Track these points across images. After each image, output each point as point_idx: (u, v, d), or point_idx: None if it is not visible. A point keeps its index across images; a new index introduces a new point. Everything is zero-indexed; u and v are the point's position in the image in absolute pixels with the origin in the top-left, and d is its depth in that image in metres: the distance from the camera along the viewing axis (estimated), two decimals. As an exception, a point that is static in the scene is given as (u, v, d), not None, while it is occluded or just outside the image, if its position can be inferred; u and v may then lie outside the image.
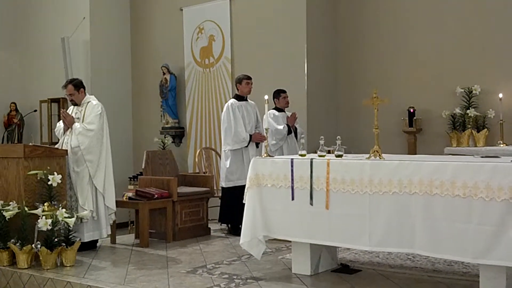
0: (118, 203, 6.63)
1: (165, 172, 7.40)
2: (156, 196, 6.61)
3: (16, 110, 10.48)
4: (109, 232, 6.39)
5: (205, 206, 7.21)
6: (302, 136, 5.63)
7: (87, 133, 6.11)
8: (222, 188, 7.22)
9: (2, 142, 10.29)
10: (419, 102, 7.87)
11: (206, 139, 9.14)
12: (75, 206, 6.06)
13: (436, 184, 4.15)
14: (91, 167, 6.10)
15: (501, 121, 6.97)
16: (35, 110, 10.30)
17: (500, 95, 7.07)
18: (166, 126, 9.52)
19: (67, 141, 6.16)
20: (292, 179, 4.87)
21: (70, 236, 5.57)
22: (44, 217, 5.35)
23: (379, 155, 4.61)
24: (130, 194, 6.80)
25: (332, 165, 4.68)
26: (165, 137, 9.14)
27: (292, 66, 8.21)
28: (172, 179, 6.85)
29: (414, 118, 7.83)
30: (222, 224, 7.55)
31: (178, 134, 9.54)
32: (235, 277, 4.99)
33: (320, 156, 4.93)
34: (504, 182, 3.88)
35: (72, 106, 6.44)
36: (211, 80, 9.13)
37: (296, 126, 7.47)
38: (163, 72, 9.44)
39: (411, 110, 7.83)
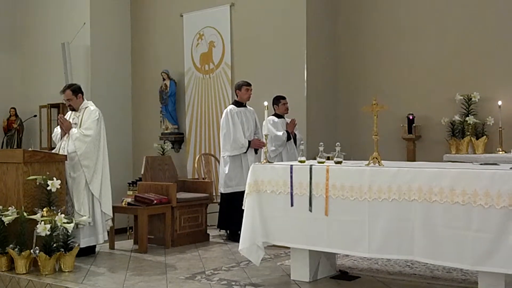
0: (117, 209, 6.64)
1: (164, 177, 7.40)
2: (155, 201, 6.60)
3: (16, 115, 10.48)
4: (106, 238, 6.36)
5: (204, 212, 7.21)
6: (302, 142, 5.64)
7: (84, 139, 6.11)
8: (221, 194, 7.22)
9: (2, 147, 10.28)
10: (419, 109, 7.88)
11: (205, 145, 9.15)
12: (71, 211, 6.05)
13: (435, 191, 4.15)
14: (87, 172, 6.10)
15: (500, 129, 6.98)
16: (35, 115, 10.31)
17: (499, 103, 7.08)
18: (166, 131, 9.52)
19: (64, 146, 6.16)
20: (292, 186, 4.87)
21: (69, 242, 5.56)
22: (43, 222, 5.34)
23: (379, 161, 4.62)
24: (129, 200, 6.80)
25: (331, 172, 4.68)
26: (164, 143, 9.15)
27: (291, 73, 8.23)
28: (171, 184, 6.85)
29: (414, 125, 7.84)
30: (221, 230, 7.54)
31: (178, 140, 9.54)
32: (233, 283, 4.98)
33: (319, 162, 4.94)
34: (503, 189, 3.88)
35: (70, 112, 6.44)
36: (211, 86, 9.14)
37: (296, 132, 7.47)
38: (163, 78, 9.46)
39: (411, 117, 7.84)
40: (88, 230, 6.13)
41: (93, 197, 6.16)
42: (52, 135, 6.62)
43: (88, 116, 6.22)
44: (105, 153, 6.29)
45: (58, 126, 6.35)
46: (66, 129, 6.18)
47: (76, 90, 6.37)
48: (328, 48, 8.64)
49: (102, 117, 6.29)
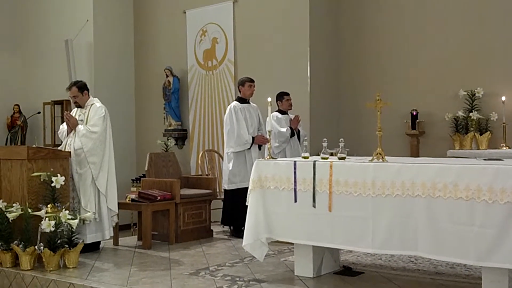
0: (121, 205, 6.65)
1: (168, 174, 7.41)
2: (159, 198, 6.62)
3: (20, 112, 10.50)
4: (112, 234, 6.41)
5: (208, 208, 7.22)
6: (305, 138, 5.64)
7: (91, 135, 6.13)
8: (225, 190, 7.23)
9: (6, 144, 10.31)
10: (422, 104, 7.87)
11: (208, 141, 9.16)
12: (77, 207, 6.08)
13: (439, 186, 4.15)
14: (94, 169, 6.12)
15: (503, 124, 6.98)
16: (39, 112, 10.33)
17: (503, 98, 7.08)
18: (169, 128, 9.54)
19: (70, 143, 6.18)
20: (295, 181, 4.87)
21: (73, 238, 5.58)
22: (47, 218, 5.36)
23: (382, 157, 4.62)
24: (133, 196, 6.81)
25: (335, 168, 4.68)
26: (168, 139, 9.15)
27: (295, 69, 8.22)
28: (175, 181, 6.86)
29: (417, 120, 7.83)
30: (225, 226, 7.56)
31: (181, 136, 9.56)
32: (237, 279, 4.99)
33: (323, 158, 4.94)
34: (507, 185, 3.88)
35: (75, 108, 6.46)
36: (214, 82, 9.15)
37: (299, 128, 7.47)
38: (166, 75, 9.46)
39: (414, 113, 7.84)
40: (94, 226, 6.15)
41: (99, 193, 6.19)
42: (58, 132, 6.64)
43: (94, 113, 6.24)
44: (111, 149, 6.32)
45: (64, 123, 6.38)
46: (73, 126, 6.20)
47: (82, 87, 6.38)
48: (331, 44, 8.63)
49: (108, 114, 6.32)
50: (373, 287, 4.69)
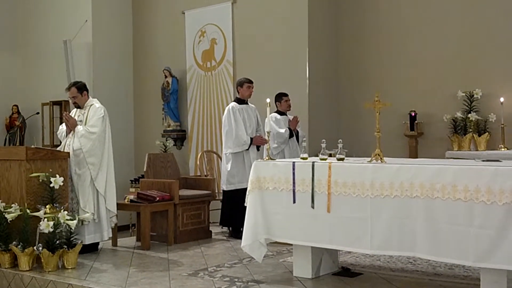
0: (120, 206, 6.65)
1: (166, 175, 7.41)
2: (157, 198, 6.62)
3: (18, 112, 10.49)
4: (111, 235, 6.40)
5: (207, 209, 7.22)
6: (304, 139, 5.65)
7: (90, 136, 6.13)
8: (223, 191, 7.23)
9: (4, 145, 10.29)
10: (421, 106, 7.87)
11: (207, 142, 9.16)
12: (76, 208, 6.07)
13: (437, 187, 4.15)
14: (93, 169, 6.12)
15: (502, 125, 6.98)
16: (37, 113, 10.32)
17: (502, 99, 7.09)
18: (168, 129, 9.53)
19: (69, 144, 6.18)
20: (294, 182, 4.88)
21: (72, 239, 5.58)
22: (46, 219, 5.36)
23: (381, 158, 4.63)
24: (131, 197, 6.81)
25: (333, 168, 4.69)
26: (166, 140, 9.14)
27: (293, 70, 8.22)
28: (174, 182, 6.86)
29: (416, 121, 7.84)
30: (223, 227, 7.56)
31: (180, 137, 9.55)
32: (236, 280, 4.99)
33: (321, 159, 4.94)
34: (506, 186, 3.89)
35: (75, 109, 6.46)
36: (213, 83, 9.15)
37: (298, 129, 7.48)
38: (165, 75, 9.46)
39: (413, 114, 7.84)
40: (93, 226, 6.15)
41: (98, 193, 6.18)
42: (57, 132, 6.64)
43: (93, 114, 6.25)
44: (110, 150, 6.33)
45: (63, 124, 6.37)
46: (72, 126, 6.20)
47: (81, 87, 6.38)
48: (330, 45, 8.63)
49: (107, 114, 6.32)
50: (371, 288, 4.71)
